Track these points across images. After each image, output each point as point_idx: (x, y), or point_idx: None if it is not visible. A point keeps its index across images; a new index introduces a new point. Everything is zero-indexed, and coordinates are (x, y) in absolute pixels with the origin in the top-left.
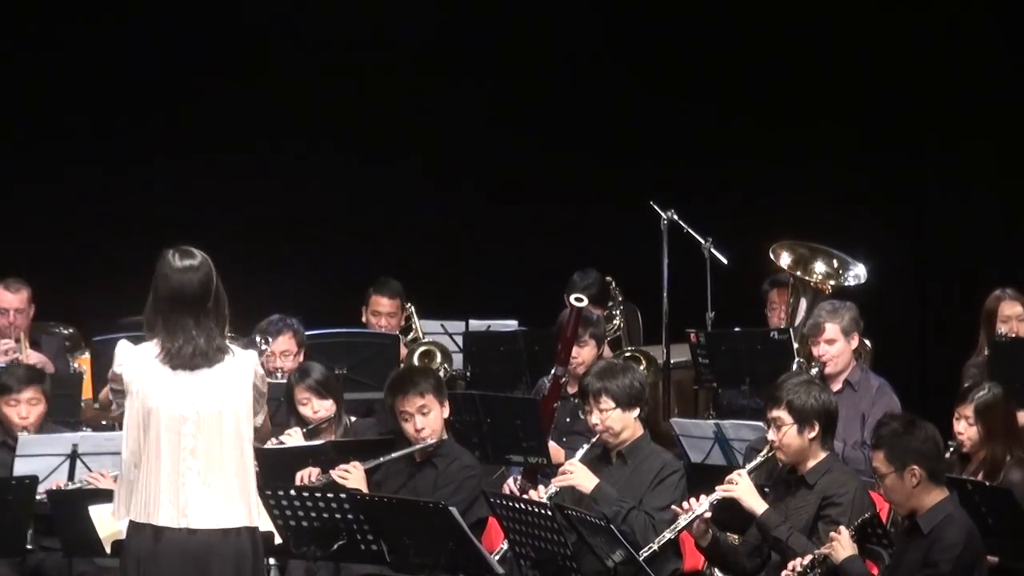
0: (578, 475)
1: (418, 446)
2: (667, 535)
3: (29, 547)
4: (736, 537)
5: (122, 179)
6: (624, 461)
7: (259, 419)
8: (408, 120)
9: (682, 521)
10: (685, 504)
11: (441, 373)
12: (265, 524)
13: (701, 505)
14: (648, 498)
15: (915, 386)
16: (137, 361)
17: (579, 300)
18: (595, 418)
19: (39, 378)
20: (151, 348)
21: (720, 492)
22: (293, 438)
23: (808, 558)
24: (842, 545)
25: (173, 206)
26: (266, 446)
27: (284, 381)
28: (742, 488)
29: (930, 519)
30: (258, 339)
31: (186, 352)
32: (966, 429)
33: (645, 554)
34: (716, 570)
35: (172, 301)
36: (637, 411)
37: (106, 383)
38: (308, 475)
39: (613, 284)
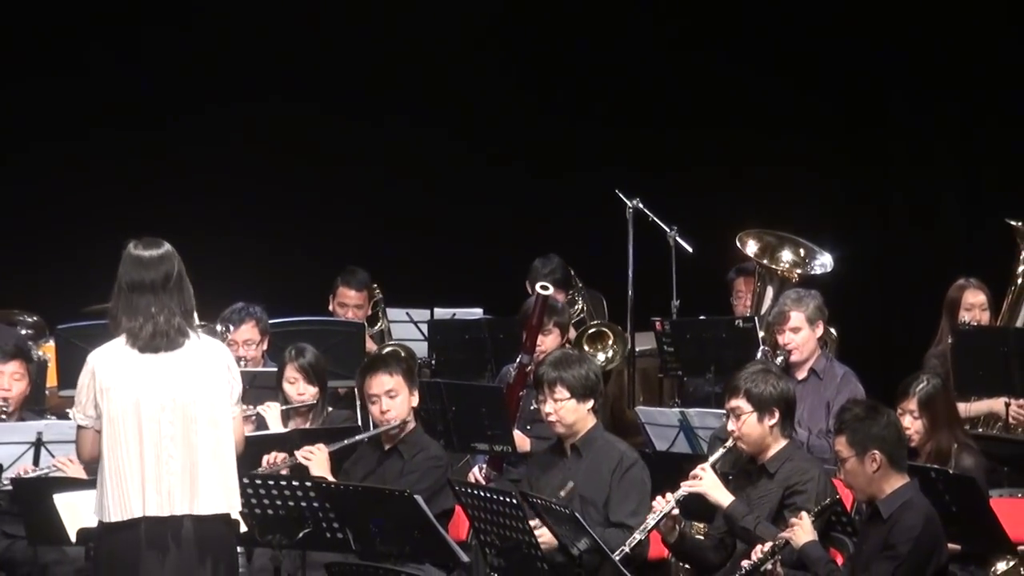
0: (707, 481)
1: (381, 429)
2: (637, 536)
3: None
4: (702, 525)
5: (86, 166)
6: (579, 454)
7: (235, 411)
8: (376, 111)
9: (651, 521)
10: (654, 503)
11: None
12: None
13: (668, 503)
14: (616, 498)
15: (880, 375)
16: (109, 359)
17: (544, 288)
18: (549, 407)
19: (26, 355)
20: (118, 341)
21: (686, 488)
22: (271, 411)
23: (769, 545)
24: (803, 530)
25: (137, 194)
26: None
27: (246, 369)
28: (707, 483)
29: (890, 504)
30: (219, 328)
31: (147, 332)
32: (912, 423)
33: (617, 557)
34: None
35: (132, 287)
36: (591, 403)
37: (70, 371)
38: (274, 458)
39: (572, 272)
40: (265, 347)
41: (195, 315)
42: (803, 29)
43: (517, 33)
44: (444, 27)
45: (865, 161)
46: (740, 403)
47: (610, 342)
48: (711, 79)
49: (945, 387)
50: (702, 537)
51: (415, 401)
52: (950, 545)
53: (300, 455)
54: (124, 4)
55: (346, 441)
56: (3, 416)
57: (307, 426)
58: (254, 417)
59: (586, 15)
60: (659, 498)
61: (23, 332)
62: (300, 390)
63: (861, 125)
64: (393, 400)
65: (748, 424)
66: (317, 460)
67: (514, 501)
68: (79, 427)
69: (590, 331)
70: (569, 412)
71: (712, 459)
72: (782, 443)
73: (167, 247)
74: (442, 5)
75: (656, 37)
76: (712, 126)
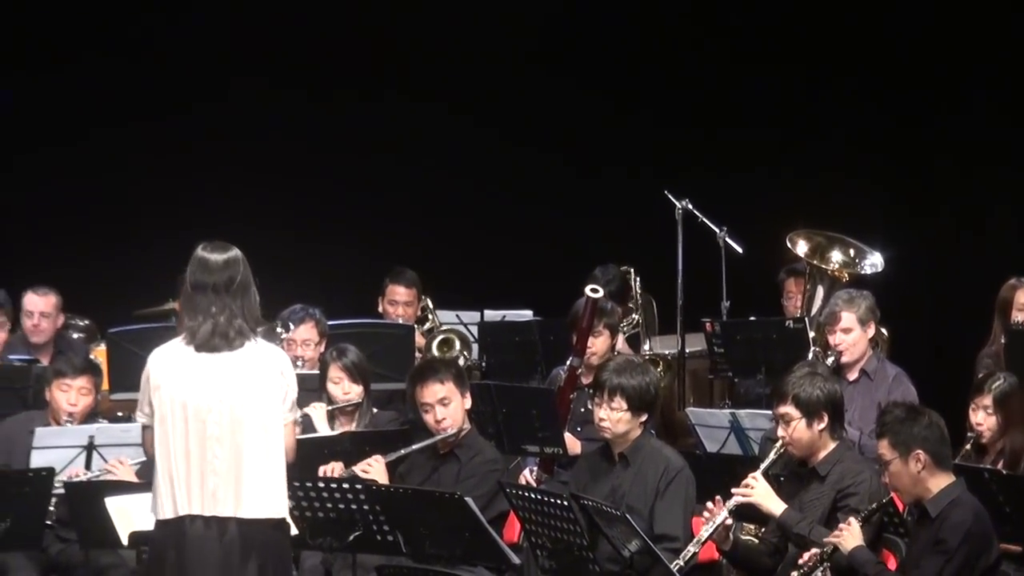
0: (759, 491)
1: (438, 437)
2: (692, 549)
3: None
4: (753, 527)
5: (138, 171)
6: (627, 463)
7: (288, 416)
8: (425, 113)
9: (705, 532)
10: (705, 512)
11: (460, 361)
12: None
13: (721, 514)
14: (660, 506)
15: (931, 375)
16: (163, 358)
17: (594, 291)
18: (603, 413)
19: (95, 370)
20: (176, 340)
21: (738, 497)
22: (317, 411)
23: (816, 551)
24: (851, 535)
25: (190, 197)
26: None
27: (304, 371)
28: (759, 492)
29: (937, 503)
30: (278, 328)
31: (206, 331)
32: (985, 419)
33: (674, 568)
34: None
35: (196, 287)
36: (645, 416)
37: (121, 375)
38: (330, 470)
39: (632, 273)
40: (322, 349)
41: (258, 324)
42: (853, 30)
43: (569, 35)
44: (494, 30)
45: (915, 160)
46: (789, 409)
47: (658, 370)
48: (760, 79)
49: (1022, 386)
50: (754, 539)
51: (468, 403)
52: (1011, 546)
53: (358, 469)
54: (195, 35)
55: (403, 451)
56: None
57: (353, 426)
58: (300, 418)
59: (639, 16)
60: (710, 504)
61: (75, 336)
62: (345, 389)
63: (911, 124)
64: (447, 408)
65: (798, 430)
66: (375, 472)
67: (565, 503)
68: (142, 425)
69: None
70: (622, 423)
71: (763, 466)
72: (832, 445)
73: (234, 252)
74: (494, 5)
75: (709, 40)
76: (761, 126)
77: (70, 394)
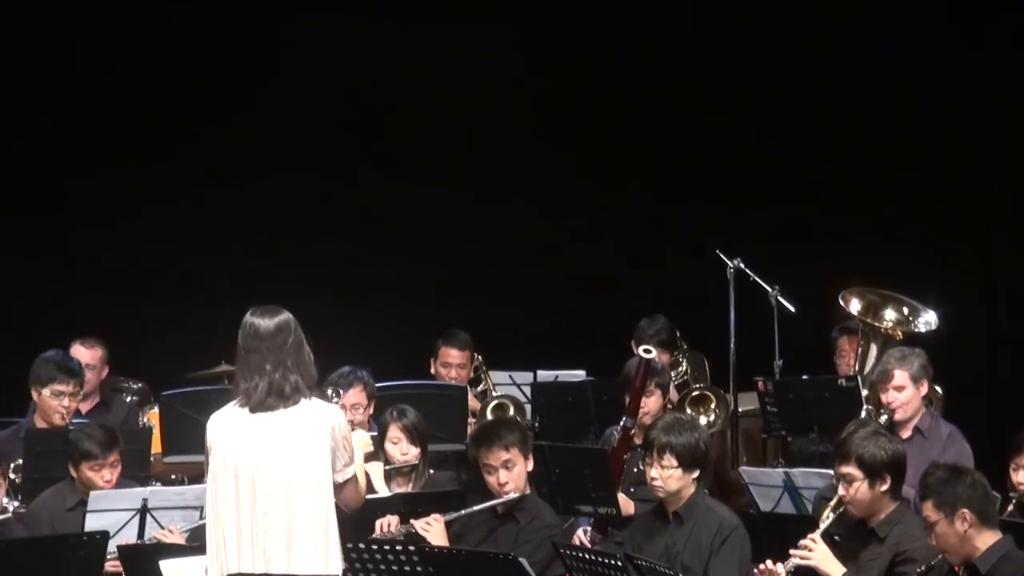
0: (818, 553)
1: (500, 500)
2: None
3: None
4: None
5: (189, 235)
6: (681, 521)
7: (340, 476)
8: (472, 172)
9: None
10: (762, 566)
11: None
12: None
13: (779, 574)
14: (714, 564)
15: (986, 433)
16: (219, 421)
17: (647, 352)
18: (654, 472)
19: (117, 440)
20: (232, 403)
21: (797, 559)
22: (375, 470)
23: None
24: None
25: (241, 261)
26: None
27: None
28: (818, 555)
29: (987, 559)
30: (329, 392)
31: (262, 390)
32: None
33: None
34: None
35: (248, 349)
36: (697, 472)
37: (174, 437)
38: (387, 523)
39: (677, 333)
40: (371, 411)
41: (314, 381)
42: (900, 93)
43: (613, 91)
44: (540, 88)
45: (968, 217)
46: (851, 470)
47: (712, 405)
48: (813, 139)
49: None
50: None
51: (531, 466)
52: None
53: (418, 526)
54: (228, 77)
55: (463, 512)
56: None
57: (409, 487)
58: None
59: (687, 69)
60: (768, 562)
61: (128, 399)
62: (403, 450)
63: (965, 180)
64: (511, 471)
65: (860, 491)
66: (435, 531)
67: (619, 563)
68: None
69: (693, 394)
70: (674, 481)
71: (822, 528)
72: (892, 506)
73: (284, 315)
74: (536, 75)
75: (759, 98)
76: (813, 184)
77: (103, 472)
